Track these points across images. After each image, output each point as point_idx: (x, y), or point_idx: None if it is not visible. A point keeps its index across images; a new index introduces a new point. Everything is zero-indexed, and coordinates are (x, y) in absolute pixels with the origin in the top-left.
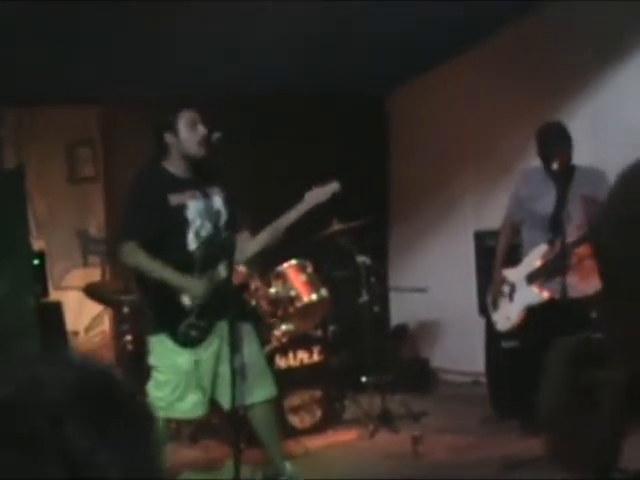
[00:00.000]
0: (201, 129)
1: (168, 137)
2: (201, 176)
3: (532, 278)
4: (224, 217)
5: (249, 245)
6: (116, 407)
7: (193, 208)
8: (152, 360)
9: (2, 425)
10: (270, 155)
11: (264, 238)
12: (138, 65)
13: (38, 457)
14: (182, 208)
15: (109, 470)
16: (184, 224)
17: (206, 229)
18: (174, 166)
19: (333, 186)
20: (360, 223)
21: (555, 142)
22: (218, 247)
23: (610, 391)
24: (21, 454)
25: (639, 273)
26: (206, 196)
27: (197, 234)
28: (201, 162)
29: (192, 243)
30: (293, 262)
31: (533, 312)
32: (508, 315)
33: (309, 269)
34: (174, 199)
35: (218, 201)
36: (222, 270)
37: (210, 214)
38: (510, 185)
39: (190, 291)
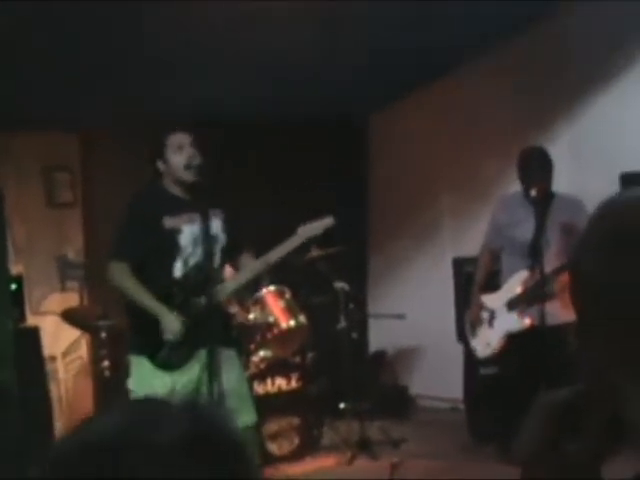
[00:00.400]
0: (188, 152)
1: (159, 163)
2: (202, 197)
3: (513, 305)
4: (221, 242)
5: (235, 278)
6: (223, 462)
7: (187, 233)
8: (130, 384)
9: (101, 466)
10: (249, 179)
11: (252, 271)
12: (124, 90)
13: None
14: (175, 232)
15: None
16: (174, 250)
17: (196, 257)
18: (172, 188)
19: (327, 221)
20: (339, 249)
21: (536, 167)
22: (204, 276)
23: (591, 418)
24: None
25: (620, 299)
26: (205, 219)
27: (186, 262)
28: (200, 184)
29: (178, 270)
30: (271, 288)
31: (513, 339)
32: (488, 341)
33: (287, 295)
34: (169, 222)
35: (217, 225)
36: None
37: (205, 239)
38: (488, 212)
39: (166, 326)
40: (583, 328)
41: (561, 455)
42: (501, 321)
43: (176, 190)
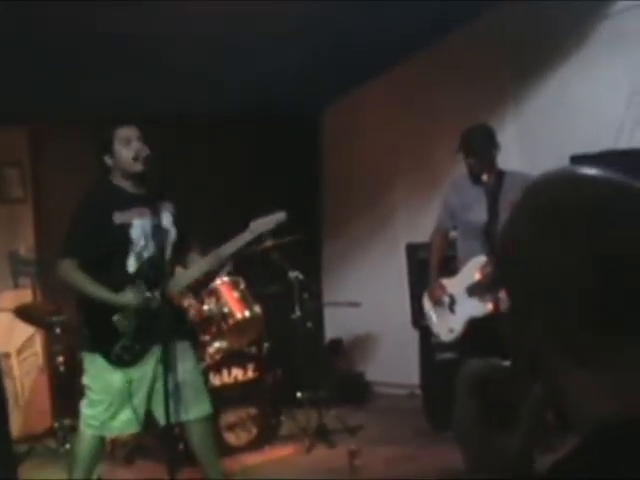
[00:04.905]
0: (135, 145)
1: (107, 158)
2: (152, 192)
3: (473, 291)
4: (172, 236)
5: (188, 272)
6: None
7: (138, 227)
8: (85, 379)
9: None
10: (204, 173)
11: (205, 265)
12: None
13: None
14: (126, 227)
15: None
16: (126, 244)
17: (149, 250)
18: (121, 182)
19: (278, 216)
20: (292, 239)
21: (479, 147)
22: (158, 269)
23: (526, 406)
24: None
25: (548, 277)
26: (155, 213)
27: (139, 255)
28: (149, 178)
29: (132, 265)
30: (226, 279)
31: (474, 324)
32: (451, 327)
33: (242, 286)
34: (119, 217)
35: (167, 218)
36: (158, 294)
37: (156, 233)
38: (441, 198)
39: (125, 301)
40: (516, 311)
41: (491, 436)
42: (462, 307)
43: (125, 184)
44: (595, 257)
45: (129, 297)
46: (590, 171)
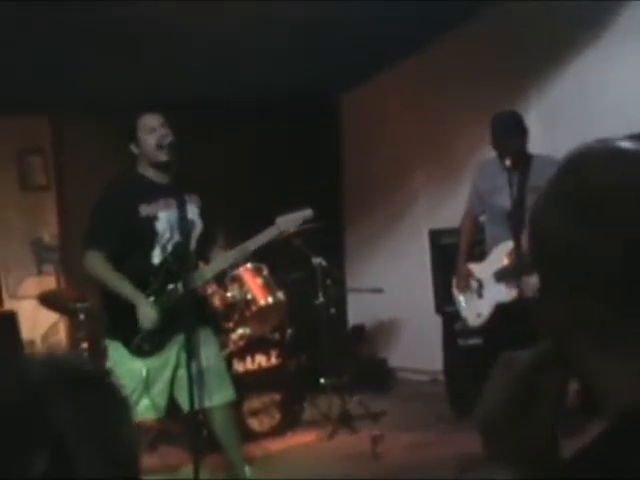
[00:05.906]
0: (159, 132)
1: (133, 147)
2: (177, 181)
3: (500, 276)
4: (197, 229)
5: (212, 265)
6: (90, 388)
7: (164, 219)
8: (109, 365)
9: None
10: (224, 158)
11: (230, 259)
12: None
13: (21, 437)
14: (152, 220)
15: (85, 446)
16: (152, 237)
17: (174, 242)
18: (147, 172)
19: (305, 213)
20: (315, 225)
21: (506, 133)
22: (182, 261)
23: (547, 391)
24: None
25: (582, 261)
26: (181, 204)
27: (164, 248)
28: (173, 166)
29: (156, 257)
30: (249, 265)
31: (500, 309)
32: (479, 312)
33: (265, 272)
34: (145, 209)
35: (194, 211)
36: (181, 286)
37: (182, 225)
38: (462, 183)
39: (143, 315)
40: (544, 293)
41: (522, 422)
42: (490, 292)
43: (151, 174)
44: (630, 241)
45: (148, 313)
46: (635, 147)
